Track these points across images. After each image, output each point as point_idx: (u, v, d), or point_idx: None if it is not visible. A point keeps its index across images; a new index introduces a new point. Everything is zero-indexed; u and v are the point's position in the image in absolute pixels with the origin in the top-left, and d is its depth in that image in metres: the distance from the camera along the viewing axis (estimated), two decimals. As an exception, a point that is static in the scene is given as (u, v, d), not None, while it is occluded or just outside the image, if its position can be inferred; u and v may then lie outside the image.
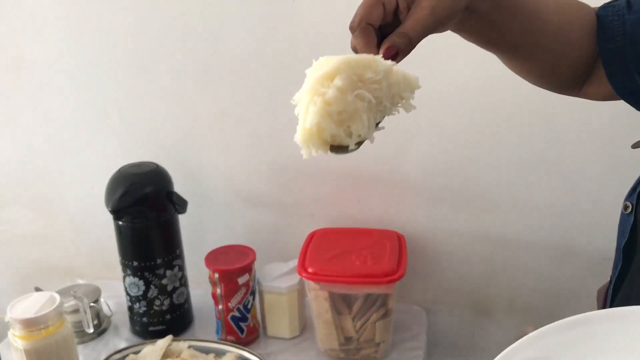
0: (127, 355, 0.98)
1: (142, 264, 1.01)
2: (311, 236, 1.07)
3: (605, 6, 0.63)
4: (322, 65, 0.50)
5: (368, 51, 0.53)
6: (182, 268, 1.06)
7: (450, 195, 1.08)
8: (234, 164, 1.14)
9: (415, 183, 1.09)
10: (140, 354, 0.97)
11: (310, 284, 0.98)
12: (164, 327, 1.05)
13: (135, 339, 1.06)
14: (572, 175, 1.03)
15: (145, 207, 1.00)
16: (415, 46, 0.53)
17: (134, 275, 1.02)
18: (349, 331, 0.99)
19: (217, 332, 1.05)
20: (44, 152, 1.20)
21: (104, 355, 0.99)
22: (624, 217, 0.61)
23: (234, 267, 0.99)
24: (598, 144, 1.00)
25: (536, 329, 0.47)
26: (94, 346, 1.06)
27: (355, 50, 0.54)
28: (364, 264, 0.97)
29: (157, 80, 1.11)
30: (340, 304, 0.98)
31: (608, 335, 0.45)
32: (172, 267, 1.03)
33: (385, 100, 0.50)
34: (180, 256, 1.05)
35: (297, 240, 1.06)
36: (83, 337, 1.06)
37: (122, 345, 1.04)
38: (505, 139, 1.03)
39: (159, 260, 1.02)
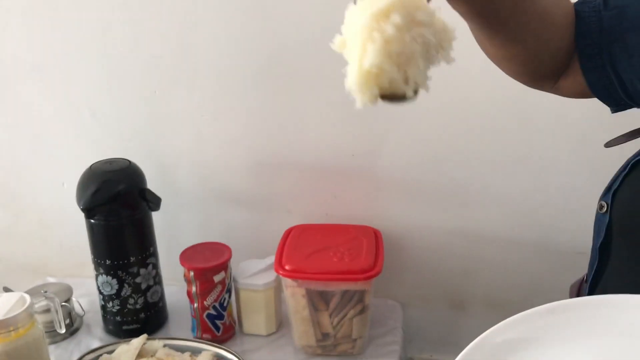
0: (100, 355, 0.96)
1: (115, 263, 1.00)
2: (288, 233, 1.06)
3: (582, 2, 0.63)
4: (373, 3, 0.44)
5: None
6: (156, 266, 1.04)
7: (427, 192, 1.09)
8: (208, 161, 1.12)
9: (391, 179, 1.09)
10: (114, 354, 0.96)
11: (287, 281, 0.97)
12: (138, 326, 1.04)
13: (109, 339, 1.05)
14: (546, 173, 1.04)
15: (117, 205, 0.98)
16: None
17: (107, 274, 1.00)
18: (326, 327, 0.99)
19: (193, 331, 1.04)
20: (13, 149, 1.17)
21: (76, 356, 0.98)
22: (599, 217, 0.62)
23: (210, 265, 0.98)
24: (573, 142, 1.01)
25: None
26: (66, 346, 1.04)
27: None
28: (341, 261, 0.97)
29: (129, 76, 1.08)
30: (317, 300, 0.98)
31: (589, 320, 0.46)
32: (145, 266, 1.02)
33: (432, 47, 0.45)
34: (154, 254, 1.04)
35: (274, 237, 1.05)
36: (55, 337, 1.03)
37: (96, 344, 1.02)
38: (482, 136, 1.04)
39: (132, 259, 1.00)
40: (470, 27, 0.61)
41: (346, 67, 0.47)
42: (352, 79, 0.44)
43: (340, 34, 0.47)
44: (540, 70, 0.66)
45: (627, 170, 0.59)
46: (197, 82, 1.07)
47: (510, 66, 0.66)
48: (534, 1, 0.59)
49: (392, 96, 0.44)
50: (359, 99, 0.44)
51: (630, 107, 0.65)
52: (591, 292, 0.63)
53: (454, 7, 0.57)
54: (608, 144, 0.66)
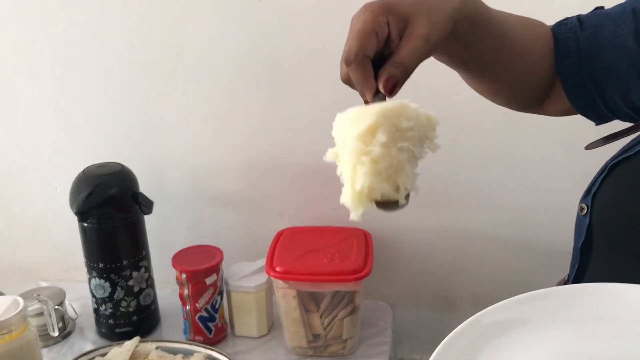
0: (93, 357, 0.97)
1: (108, 266, 1.00)
2: (279, 235, 1.08)
3: (559, 24, 0.65)
4: (358, 119, 0.47)
5: (366, 84, 0.51)
6: (148, 269, 1.05)
7: (415, 193, 1.10)
8: (200, 164, 1.13)
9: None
10: (107, 356, 0.96)
11: (278, 283, 0.98)
12: (131, 328, 1.04)
13: (102, 341, 1.05)
14: (531, 175, 1.06)
15: (110, 208, 0.99)
16: (410, 76, 0.52)
17: (100, 277, 1.01)
18: (317, 328, 1.00)
19: (185, 333, 1.05)
20: (6, 153, 1.17)
21: (69, 358, 0.98)
22: (579, 219, 0.63)
23: (202, 268, 0.99)
24: (556, 145, 1.03)
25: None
26: (59, 349, 1.04)
27: (348, 82, 0.53)
28: (332, 262, 0.98)
29: (121, 79, 1.09)
30: (308, 301, 0.99)
31: (576, 306, 0.49)
32: (138, 269, 1.03)
33: (418, 145, 0.49)
34: (146, 257, 1.05)
35: (265, 240, 1.06)
36: (48, 340, 1.04)
37: (89, 348, 1.02)
38: (468, 138, 1.06)
39: (125, 262, 1.01)
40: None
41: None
42: (347, 198, 0.47)
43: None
44: (526, 98, 0.69)
45: (605, 172, 0.60)
46: (190, 86, 1.08)
47: (497, 99, 0.70)
48: (512, 41, 0.62)
49: (385, 204, 0.47)
50: (355, 214, 0.47)
51: (613, 119, 0.68)
52: (573, 290, 0.65)
53: (438, 59, 0.61)
54: (588, 147, 0.68)
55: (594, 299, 0.49)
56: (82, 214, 0.98)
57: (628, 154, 0.58)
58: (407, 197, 0.48)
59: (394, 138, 0.47)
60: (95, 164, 1.02)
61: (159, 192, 1.08)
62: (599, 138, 0.68)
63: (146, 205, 1.01)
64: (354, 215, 0.47)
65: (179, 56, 1.06)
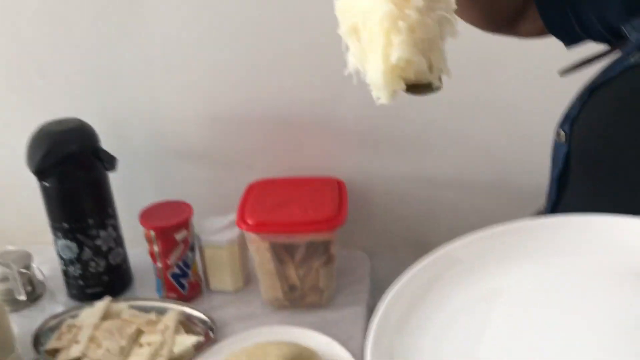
0: (64, 319, 0.95)
1: (73, 226, 0.97)
2: (250, 188, 1.05)
3: None
4: None
5: None
6: (116, 228, 1.02)
7: (388, 139, 1.08)
8: (163, 116, 1.09)
9: (352, 128, 1.08)
10: (78, 318, 0.95)
11: (250, 236, 0.96)
12: (102, 289, 1.02)
13: (73, 303, 1.03)
14: (504, 113, 1.04)
15: (71, 166, 0.95)
16: None
17: (66, 237, 0.98)
18: (293, 280, 0.98)
19: (158, 291, 1.03)
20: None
21: (40, 322, 0.96)
22: (556, 146, 0.60)
23: (170, 224, 0.96)
24: (529, 76, 1.00)
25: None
26: (28, 313, 1.01)
27: None
28: (305, 212, 0.96)
29: (76, 29, 1.04)
30: (282, 253, 0.97)
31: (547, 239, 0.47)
32: (105, 227, 0.99)
33: (445, 24, 0.42)
34: (113, 215, 1.01)
35: (236, 193, 1.03)
36: (16, 305, 1.01)
37: (59, 310, 1.00)
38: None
39: (90, 221, 0.97)
40: None
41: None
42: (377, 75, 0.40)
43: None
44: (501, 14, 0.66)
45: (586, 96, 0.57)
46: (149, 32, 1.03)
47: (470, 12, 0.66)
48: None
49: (415, 87, 0.41)
50: (384, 95, 0.40)
51: (584, 41, 0.65)
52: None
53: None
54: (562, 73, 0.65)
55: (565, 231, 0.47)
56: (41, 174, 0.94)
57: (610, 76, 0.55)
58: (440, 79, 0.42)
59: (428, 4, 0.40)
60: (52, 121, 0.97)
61: (122, 149, 1.04)
62: (574, 63, 0.65)
63: (109, 162, 0.97)
64: (385, 97, 0.41)
65: (132, 2, 1.01)
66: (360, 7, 0.41)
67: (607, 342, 0.37)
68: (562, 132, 0.59)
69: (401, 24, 0.39)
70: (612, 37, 0.61)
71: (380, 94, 0.40)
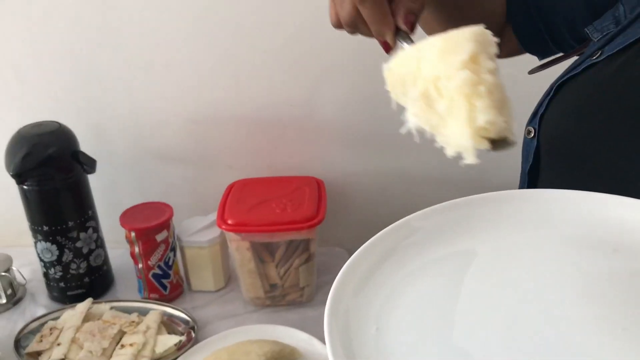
0: (45, 322, 0.95)
1: (53, 228, 0.97)
2: (230, 188, 1.06)
3: None
4: (449, 48, 0.41)
5: (385, 22, 0.47)
6: (96, 229, 1.02)
7: (365, 137, 1.09)
8: (142, 119, 1.09)
9: (330, 126, 1.09)
10: (59, 320, 0.95)
11: (231, 236, 0.97)
12: (83, 290, 1.02)
13: (55, 305, 1.03)
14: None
15: (50, 169, 0.95)
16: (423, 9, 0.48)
17: (46, 240, 0.98)
18: (273, 278, 0.99)
19: (140, 292, 1.03)
20: None
21: (21, 324, 0.96)
22: (527, 142, 0.63)
23: (151, 225, 0.97)
24: (502, 73, 1.02)
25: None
26: (9, 316, 1.01)
27: (350, 24, 0.48)
28: (284, 211, 0.97)
29: (54, 32, 1.03)
30: (262, 252, 0.98)
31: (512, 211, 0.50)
32: (85, 229, 1.00)
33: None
34: (93, 217, 1.01)
35: (216, 193, 1.04)
36: (-3, 308, 1.01)
37: (40, 312, 1.00)
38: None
39: (70, 223, 0.98)
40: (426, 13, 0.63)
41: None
42: (464, 138, 0.41)
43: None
44: None
45: (552, 93, 0.60)
46: (127, 33, 1.03)
47: None
48: None
49: (497, 142, 0.42)
50: (470, 156, 0.41)
51: (556, 54, 0.68)
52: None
53: None
54: (532, 71, 0.68)
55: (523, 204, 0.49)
56: (20, 176, 0.94)
57: (574, 73, 0.58)
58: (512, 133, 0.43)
59: (496, 65, 0.41)
60: (31, 124, 0.97)
61: (101, 151, 1.05)
62: (540, 63, 0.69)
63: (88, 164, 0.97)
64: (471, 158, 0.42)
65: (112, 7, 1.01)
66: (425, 74, 0.43)
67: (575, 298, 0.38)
68: (531, 129, 0.61)
69: (482, 88, 0.40)
70: (580, 45, 0.64)
71: (466, 154, 0.42)
